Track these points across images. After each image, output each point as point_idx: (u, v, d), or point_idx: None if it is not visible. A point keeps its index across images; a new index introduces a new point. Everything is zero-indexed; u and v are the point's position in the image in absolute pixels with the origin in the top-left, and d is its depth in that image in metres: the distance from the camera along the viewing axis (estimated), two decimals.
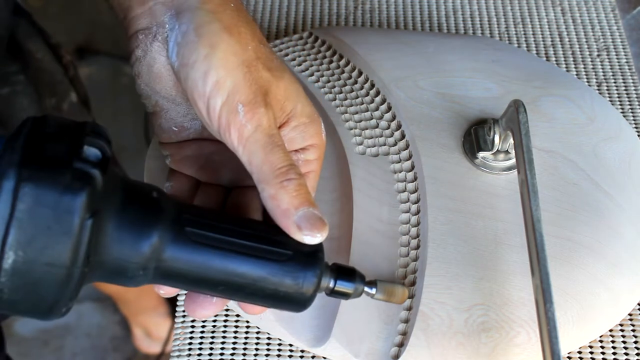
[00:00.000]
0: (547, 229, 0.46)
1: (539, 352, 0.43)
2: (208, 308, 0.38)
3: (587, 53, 0.63)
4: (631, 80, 0.61)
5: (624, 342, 0.47)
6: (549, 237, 0.46)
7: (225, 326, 0.47)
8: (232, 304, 0.46)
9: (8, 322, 1.19)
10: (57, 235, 0.30)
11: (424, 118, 0.52)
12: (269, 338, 0.47)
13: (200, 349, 0.46)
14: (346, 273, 0.38)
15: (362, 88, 0.54)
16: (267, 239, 0.36)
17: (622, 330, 0.47)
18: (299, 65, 0.56)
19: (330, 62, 0.56)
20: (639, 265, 0.47)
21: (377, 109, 0.53)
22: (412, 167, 0.50)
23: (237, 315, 0.48)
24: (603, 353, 0.46)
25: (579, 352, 0.46)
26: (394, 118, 0.52)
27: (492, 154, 0.50)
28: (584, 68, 0.62)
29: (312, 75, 0.55)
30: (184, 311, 0.48)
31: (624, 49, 0.63)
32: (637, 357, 0.46)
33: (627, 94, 0.60)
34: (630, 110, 0.59)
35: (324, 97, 0.54)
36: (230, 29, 0.37)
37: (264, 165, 0.36)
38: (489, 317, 0.44)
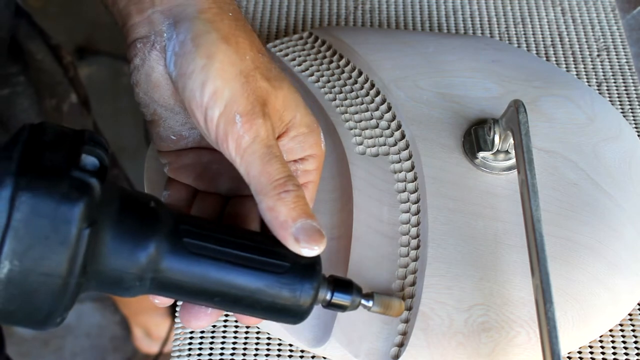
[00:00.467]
0: (547, 229, 0.46)
1: (539, 352, 0.43)
2: (202, 319, 0.38)
3: (587, 53, 0.63)
4: (631, 80, 0.61)
5: (624, 342, 0.47)
6: (549, 237, 0.46)
7: (225, 326, 0.47)
8: None
9: None
10: (54, 245, 0.30)
11: (424, 118, 0.52)
12: (269, 338, 0.47)
13: (200, 349, 0.46)
14: (343, 285, 0.38)
15: (362, 88, 0.54)
16: (264, 250, 0.35)
17: (622, 330, 0.47)
18: (299, 65, 0.56)
19: (330, 62, 0.56)
20: (639, 265, 0.47)
21: (377, 109, 0.53)
22: (412, 167, 0.50)
23: None
24: (603, 353, 0.46)
25: (579, 352, 0.46)
26: (394, 118, 0.52)
27: (492, 154, 0.50)
28: (584, 68, 0.62)
29: (312, 75, 0.55)
30: None
31: (624, 49, 0.63)
32: (637, 357, 0.46)
33: (627, 94, 0.60)
34: (630, 110, 0.59)
35: (324, 97, 0.54)
36: (228, 39, 0.37)
37: (261, 176, 0.36)
38: (489, 317, 0.44)
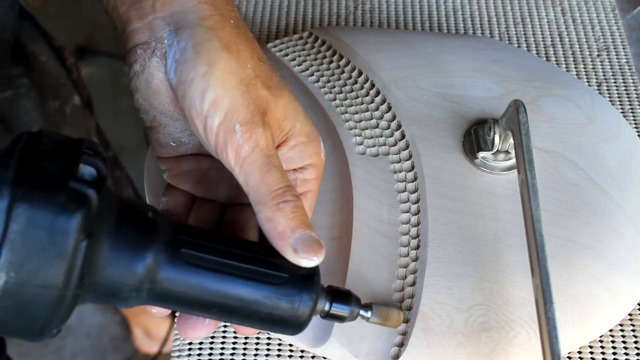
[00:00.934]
0: (547, 229, 0.46)
1: (539, 352, 0.43)
2: (200, 330, 0.38)
3: (587, 53, 0.63)
4: (631, 80, 0.61)
5: (624, 342, 0.47)
6: (549, 237, 0.46)
7: (225, 326, 0.47)
8: None
9: None
10: (51, 257, 0.29)
11: (424, 118, 0.52)
12: (269, 338, 0.47)
13: (200, 349, 0.46)
14: (342, 296, 0.37)
15: (362, 88, 0.54)
16: (263, 261, 0.35)
17: (622, 330, 0.47)
18: (299, 65, 0.56)
19: (330, 62, 0.56)
20: (639, 265, 0.47)
21: (377, 109, 0.53)
22: (412, 167, 0.50)
23: None
24: (603, 353, 0.46)
25: (579, 352, 0.46)
26: (394, 118, 0.52)
27: (492, 154, 0.50)
28: (584, 68, 0.62)
29: (312, 75, 0.55)
30: None
31: (624, 49, 0.63)
32: (637, 357, 0.46)
33: (627, 94, 0.60)
34: (630, 110, 0.59)
35: (324, 97, 0.54)
36: (229, 47, 0.37)
37: (260, 186, 0.35)
38: (489, 317, 0.44)
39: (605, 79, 0.61)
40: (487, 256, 0.46)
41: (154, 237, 0.33)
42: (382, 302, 0.44)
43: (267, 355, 0.46)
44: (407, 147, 0.51)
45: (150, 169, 0.50)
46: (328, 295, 0.37)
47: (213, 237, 0.36)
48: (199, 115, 0.36)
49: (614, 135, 0.52)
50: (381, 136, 0.52)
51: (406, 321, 0.44)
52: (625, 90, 0.60)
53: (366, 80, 0.54)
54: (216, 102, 0.36)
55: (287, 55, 0.57)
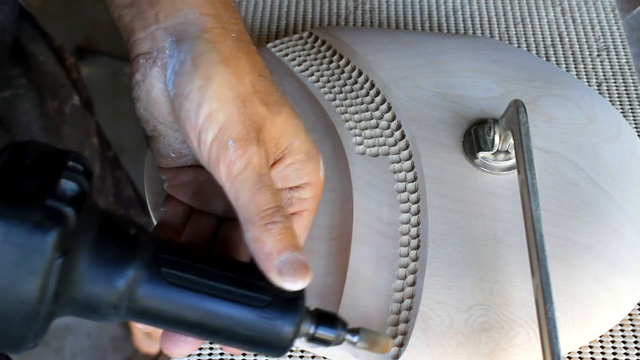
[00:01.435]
0: (547, 229, 0.46)
1: (539, 352, 0.43)
2: (182, 347, 0.37)
3: (587, 53, 0.63)
4: (631, 80, 0.61)
5: (624, 342, 0.47)
6: (549, 237, 0.46)
7: None
8: None
9: None
10: (25, 274, 0.29)
11: (424, 118, 0.52)
12: None
13: (200, 348, 0.46)
14: (328, 319, 0.37)
15: (362, 88, 0.54)
16: (246, 282, 0.35)
17: (622, 330, 0.47)
18: (299, 65, 0.56)
19: (330, 62, 0.56)
20: (639, 265, 0.47)
21: (377, 109, 0.53)
22: (412, 167, 0.50)
23: None
24: (603, 353, 0.46)
25: (579, 352, 0.46)
26: (394, 118, 0.52)
27: (492, 154, 0.50)
28: (584, 68, 0.62)
29: (312, 75, 0.55)
30: None
31: (624, 49, 0.63)
32: (637, 357, 0.46)
33: (627, 94, 0.60)
34: (630, 110, 0.59)
35: (324, 97, 0.54)
36: (229, 61, 0.37)
37: (250, 205, 0.35)
38: (489, 317, 0.44)
39: (605, 79, 0.61)
40: (487, 256, 0.46)
41: (134, 254, 0.33)
42: (373, 326, 0.44)
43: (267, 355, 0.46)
44: (407, 147, 0.51)
45: (150, 169, 0.50)
46: (314, 318, 0.36)
47: (197, 256, 0.35)
48: (194, 128, 0.36)
49: (614, 135, 0.52)
50: (381, 136, 0.52)
51: (406, 321, 0.44)
52: (625, 90, 0.60)
53: (366, 80, 0.54)
54: (211, 116, 0.35)
55: (287, 55, 0.57)
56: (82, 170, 0.32)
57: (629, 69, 0.61)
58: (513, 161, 0.50)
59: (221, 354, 0.46)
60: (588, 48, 0.63)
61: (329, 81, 0.55)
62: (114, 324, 1.28)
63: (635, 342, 0.47)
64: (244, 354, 0.46)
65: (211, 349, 0.46)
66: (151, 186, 0.50)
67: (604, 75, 0.61)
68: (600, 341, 0.47)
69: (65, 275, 0.31)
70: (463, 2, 0.67)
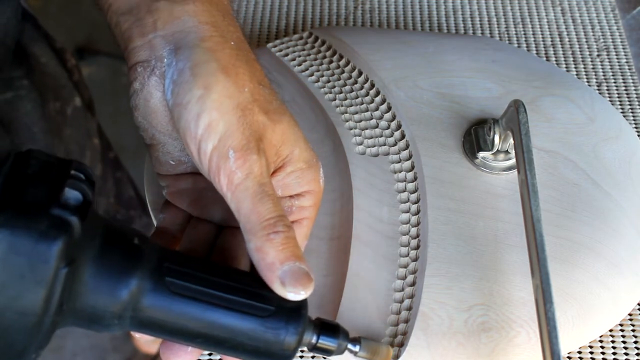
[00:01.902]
0: (547, 229, 0.46)
1: (539, 352, 0.43)
2: (182, 357, 0.37)
3: (587, 53, 0.63)
4: (631, 80, 0.61)
5: (624, 342, 0.47)
6: (549, 237, 0.46)
7: None
8: None
9: None
10: (30, 284, 0.29)
11: (424, 118, 0.52)
12: None
13: (210, 354, 0.46)
14: (330, 329, 0.37)
15: (362, 88, 0.54)
16: (249, 292, 0.35)
17: (622, 330, 0.47)
18: (299, 65, 0.56)
19: (330, 62, 0.56)
20: (639, 265, 0.47)
21: (377, 109, 0.53)
22: (412, 167, 0.50)
23: None
24: (603, 353, 0.46)
25: (579, 352, 0.46)
26: (394, 118, 0.52)
27: (492, 154, 0.50)
28: (584, 68, 0.62)
29: (312, 75, 0.55)
30: None
31: (624, 49, 0.63)
32: (637, 357, 0.46)
33: (627, 94, 0.60)
34: (630, 110, 0.59)
35: (324, 97, 0.54)
36: (228, 70, 0.36)
37: (251, 215, 0.35)
38: (489, 317, 0.44)
39: (605, 79, 0.61)
40: (487, 256, 0.46)
41: (138, 264, 0.33)
42: (373, 337, 0.44)
43: None
44: (407, 147, 0.51)
45: (150, 170, 0.50)
46: (316, 327, 0.36)
47: (200, 265, 0.35)
48: (193, 138, 0.36)
49: (614, 135, 0.52)
50: (381, 136, 0.52)
51: (406, 321, 0.44)
52: (625, 90, 0.60)
53: (366, 80, 0.54)
54: (210, 126, 0.35)
55: (287, 55, 0.57)
56: (84, 179, 0.32)
57: (629, 69, 0.61)
58: (513, 161, 0.50)
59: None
60: (588, 48, 0.63)
61: (329, 81, 0.55)
62: None
63: (635, 342, 0.47)
64: None
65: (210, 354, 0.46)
66: (151, 187, 0.50)
67: (604, 75, 0.61)
68: (600, 341, 0.47)
69: (70, 285, 0.31)
70: (463, 2, 0.67)
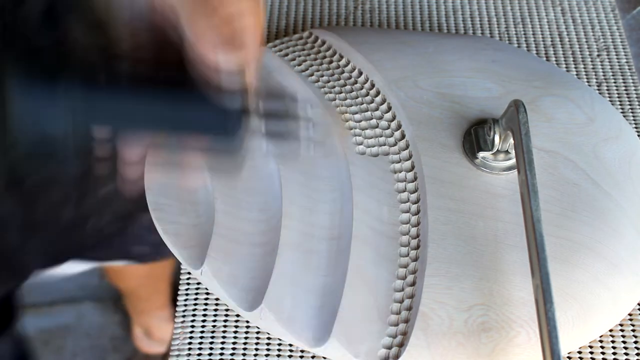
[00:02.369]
0: (547, 229, 0.46)
1: (539, 352, 0.43)
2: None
3: (587, 53, 0.63)
4: (631, 80, 0.61)
5: (624, 342, 0.47)
6: (549, 237, 0.46)
7: (225, 326, 0.47)
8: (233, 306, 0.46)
9: None
10: None
11: (424, 118, 0.52)
12: (269, 338, 0.47)
13: (200, 349, 0.46)
14: (275, 94, 0.37)
15: (362, 88, 0.54)
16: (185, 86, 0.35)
17: (622, 330, 0.47)
18: (299, 65, 0.56)
19: (330, 62, 0.56)
20: (639, 265, 0.47)
21: (377, 109, 0.53)
22: (412, 167, 0.50)
23: (237, 315, 0.48)
24: (603, 353, 0.46)
25: (579, 352, 0.46)
26: (394, 118, 0.52)
27: (492, 154, 0.50)
28: (584, 68, 0.62)
29: (312, 75, 0.55)
30: (183, 311, 0.48)
31: (624, 49, 0.63)
32: (637, 357, 0.46)
33: (627, 94, 0.60)
34: (630, 110, 0.59)
35: (324, 97, 0.54)
36: None
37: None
38: (489, 317, 0.44)
39: (605, 79, 0.61)
40: (487, 256, 0.46)
41: (64, 69, 0.33)
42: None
43: (267, 355, 0.46)
44: (407, 147, 0.51)
45: (150, 169, 0.50)
46: (260, 95, 0.36)
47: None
48: None
49: (614, 135, 0.52)
50: (381, 136, 0.52)
51: (406, 321, 0.44)
52: (625, 90, 0.60)
53: (366, 80, 0.54)
54: None
55: (287, 55, 0.57)
56: None
57: (629, 69, 0.61)
58: (513, 161, 0.50)
59: (221, 353, 0.46)
60: (588, 48, 0.63)
61: (329, 81, 0.55)
62: (114, 325, 1.28)
63: (635, 342, 0.47)
64: (244, 354, 0.46)
65: (211, 349, 0.47)
66: (151, 186, 0.49)
67: (604, 75, 0.61)
68: (600, 341, 0.47)
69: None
70: (463, 2, 0.67)
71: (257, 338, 0.47)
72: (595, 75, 0.61)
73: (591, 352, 0.46)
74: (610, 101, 0.59)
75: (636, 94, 0.60)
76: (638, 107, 0.59)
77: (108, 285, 1.20)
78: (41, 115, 0.32)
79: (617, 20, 0.65)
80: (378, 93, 0.54)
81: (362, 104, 0.53)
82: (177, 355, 0.46)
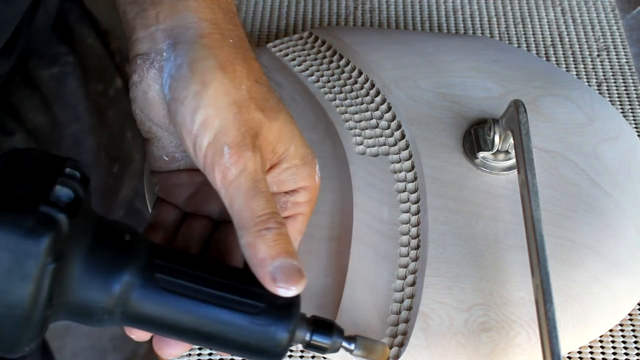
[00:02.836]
0: (547, 229, 0.46)
1: (539, 352, 0.43)
2: (174, 347, 0.37)
3: (587, 53, 0.63)
4: (631, 80, 0.61)
5: (624, 342, 0.47)
6: (549, 237, 0.46)
7: None
8: None
9: None
10: (17, 280, 0.30)
11: (424, 118, 0.52)
12: None
13: (200, 348, 0.46)
14: (324, 326, 0.37)
15: (362, 88, 0.54)
16: (239, 289, 0.35)
17: (622, 330, 0.47)
18: (299, 65, 0.56)
19: (330, 62, 0.56)
20: (639, 265, 0.47)
21: (377, 109, 0.53)
22: (412, 167, 0.50)
23: None
24: (603, 353, 0.46)
25: (579, 352, 0.46)
26: (394, 118, 0.52)
27: (492, 154, 0.50)
28: (584, 68, 0.62)
29: (312, 75, 0.55)
30: None
31: (624, 49, 0.63)
32: (637, 357, 0.46)
33: (627, 94, 0.60)
34: (630, 110, 0.59)
35: (324, 97, 0.54)
36: (225, 67, 0.37)
37: (244, 211, 0.35)
38: (489, 317, 0.44)
39: (605, 79, 0.61)
40: (487, 256, 0.46)
41: (128, 260, 0.33)
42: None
43: None
44: (407, 147, 0.51)
45: (149, 169, 0.50)
46: (309, 325, 0.36)
47: (190, 262, 0.35)
48: (189, 133, 0.36)
49: (614, 135, 0.52)
50: (381, 136, 0.52)
51: (406, 321, 0.44)
52: (625, 90, 0.60)
53: (366, 80, 0.54)
54: (206, 122, 0.35)
55: (287, 55, 0.57)
56: (78, 177, 0.32)
57: (629, 69, 0.61)
58: (513, 161, 0.50)
59: (221, 358, 0.46)
60: (588, 48, 0.63)
61: (329, 81, 0.55)
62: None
63: (635, 342, 0.47)
64: None
65: (210, 353, 0.46)
66: (151, 188, 0.49)
67: (604, 75, 0.61)
68: (600, 341, 0.47)
69: (59, 280, 0.31)
70: (463, 2, 0.67)
71: None
72: (595, 75, 0.61)
73: (591, 352, 0.46)
74: (610, 101, 0.59)
75: (636, 94, 0.60)
76: (638, 107, 0.59)
77: None
78: (92, 299, 0.33)
79: (617, 20, 0.65)
80: (378, 93, 0.54)
81: (362, 104, 0.53)
82: (178, 356, 0.46)
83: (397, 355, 0.43)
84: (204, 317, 0.34)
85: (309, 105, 0.54)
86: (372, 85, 0.54)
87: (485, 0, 0.67)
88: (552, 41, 0.64)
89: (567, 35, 0.64)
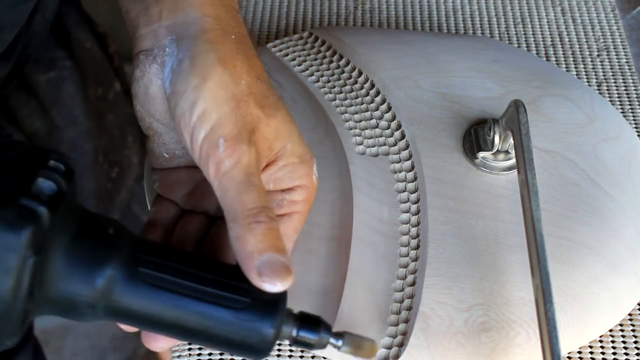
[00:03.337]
0: (547, 229, 0.46)
1: (539, 352, 0.43)
2: (161, 340, 0.37)
3: (587, 53, 0.63)
4: (631, 80, 0.61)
5: (624, 342, 0.47)
6: (549, 237, 0.46)
7: None
8: None
9: None
10: None
11: (424, 118, 0.52)
12: None
13: (200, 348, 0.46)
14: (310, 322, 0.36)
15: (362, 88, 0.54)
16: (224, 284, 0.34)
17: (622, 330, 0.47)
18: (299, 65, 0.56)
19: (330, 62, 0.56)
20: (639, 265, 0.47)
21: (377, 109, 0.53)
22: (412, 167, 0.50)
23: None
24: (603, 353, 0.46)
25: (579, 352, 0.46)
26: (394, 118, 0.52)
27: (492, 154, 0.50)
28: (584, 68, 0.62)
29: (312, 75, 0.55)
30: None
31: (624, 49, 0.63)
32: (637, 357, 0.46)
33: (627, 94, 0.60)
34: (630, 110, 0.59)
35: (324, 97, 0.54)
36: (226, 62, 0.37)
37: (235, 203, 0.35)
38: (489, 317, 0.44)
39: (605, 79, 0.61)
40: (487, 256, 0.46)
41: (111, 254, 0.33)
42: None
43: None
44: (407, 147, 0.51)
45: (150, 167, 0.50)
46: (296, 321, 0.36)
47: (176, 256, 0.35)
48: (187, 126, 0.36)
49: (614, 135, 0.52)
50: (381, 136, 0.52)
51: (406, 321, 0.44)
52: (625, 90, 0.60)
53: (366, 80, 0.54)
54: (204, 114, 0.36)
55: (287, 55, 0.57)
56: (62, 170, 0.32)
57: (629, 69, 0.61)
58: (513, 161, 0.50)
59: (221, 353, 0.46)
60: (588, 48, 0.63)
61: (329, 81, 0.55)
62: (114, 325, 1.29)
63: (635, 342, 0.47)
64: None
65: (210, 353, 0.46)
66: (151, 185, 0.49)
67: (604, 75, 0.61)
68: (600, 341, 0.47)
69: (40, 274, 0.31)
70: (463, 2, 0.67)
71: None
72: (595, 75, 0.61)
73: (591, 352, 0.46)
74: (610, 101, 0.59)
75: (636, 94, 0.60)
76: (638, 107, 0.59)
77: None
78: (74, 293, 0.33)
79: (617, 20, 0.65)
80: (378, 93, 0.54)
81: (362, 104, 0.53)
82: (178, 356, 0.46)
83: (397, 355, 0.43)
84: (188, 311, 0.34)
85: (309, 105, 0.54)
86: (372, 85, 0.54)
87: (485, 0, 0.67)
88: (552, 41, 0.64)
89: (567, 35, 0.64)
